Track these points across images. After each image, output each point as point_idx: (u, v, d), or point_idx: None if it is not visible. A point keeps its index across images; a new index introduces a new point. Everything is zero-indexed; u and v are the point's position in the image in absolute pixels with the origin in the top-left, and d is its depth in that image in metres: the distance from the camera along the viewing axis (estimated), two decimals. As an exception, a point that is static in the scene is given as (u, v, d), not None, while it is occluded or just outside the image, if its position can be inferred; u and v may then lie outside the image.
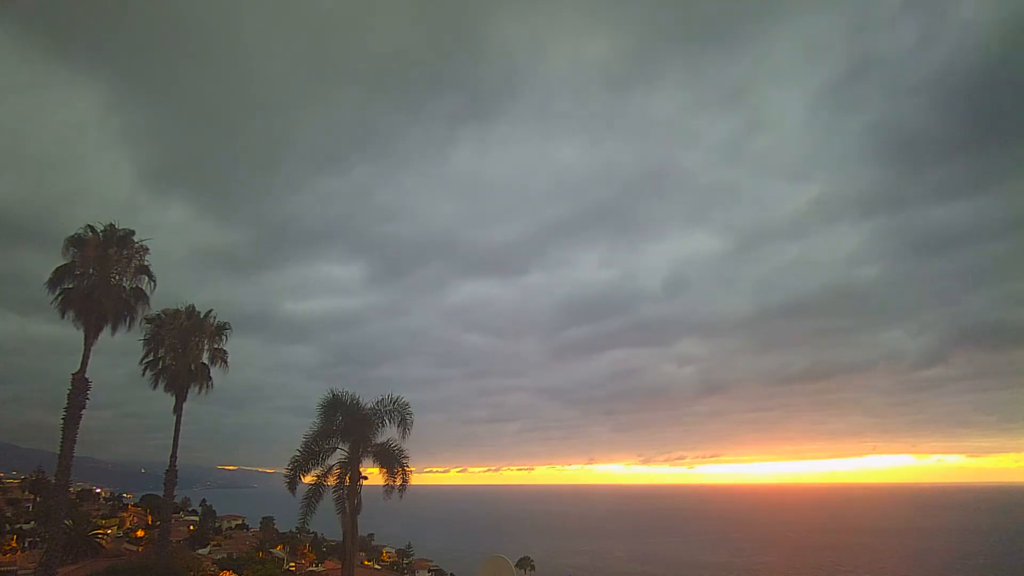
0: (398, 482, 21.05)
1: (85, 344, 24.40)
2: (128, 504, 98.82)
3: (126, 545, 56.39)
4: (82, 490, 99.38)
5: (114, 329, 25.45)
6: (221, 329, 30.96)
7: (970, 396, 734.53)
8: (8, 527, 61.41)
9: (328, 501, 20.67)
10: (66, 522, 32.68)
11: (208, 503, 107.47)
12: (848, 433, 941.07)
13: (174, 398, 29.72)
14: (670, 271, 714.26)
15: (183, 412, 29.90)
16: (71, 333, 25.01)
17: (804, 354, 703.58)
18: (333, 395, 21.27)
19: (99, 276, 24.77)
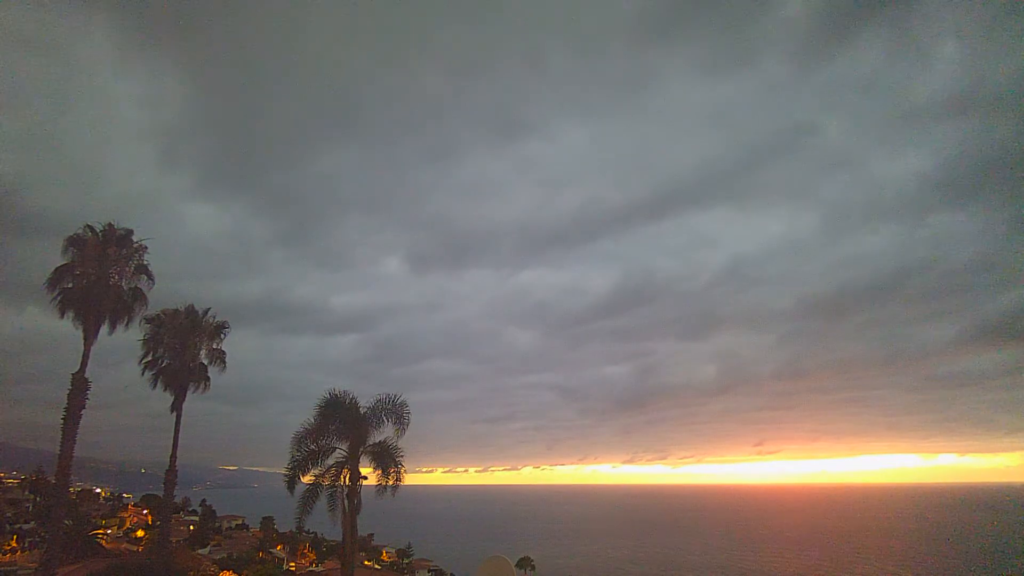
0: (391, 482, 21.06)
1: (85, 344, 24.44)
2: (128, 504, 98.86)
3: (126, 545, 56.49)
4: (82, 490, 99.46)
5: (113, 328, 25.49)
6: (220, 329, 30.99)
7: (1000, 394, 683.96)
8: (8, 527, 61.43)
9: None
10: (66, 522, 32.70)
11: (208, 503, 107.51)
12: (855, 432, 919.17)
13: (173, 398, 29.75)
14: (738, 257, 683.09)
15: (183, 411, 29.95)
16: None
17: (836, 349, 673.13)
18: (331, 395, 21.29)
19: (98, 276, 24.79)
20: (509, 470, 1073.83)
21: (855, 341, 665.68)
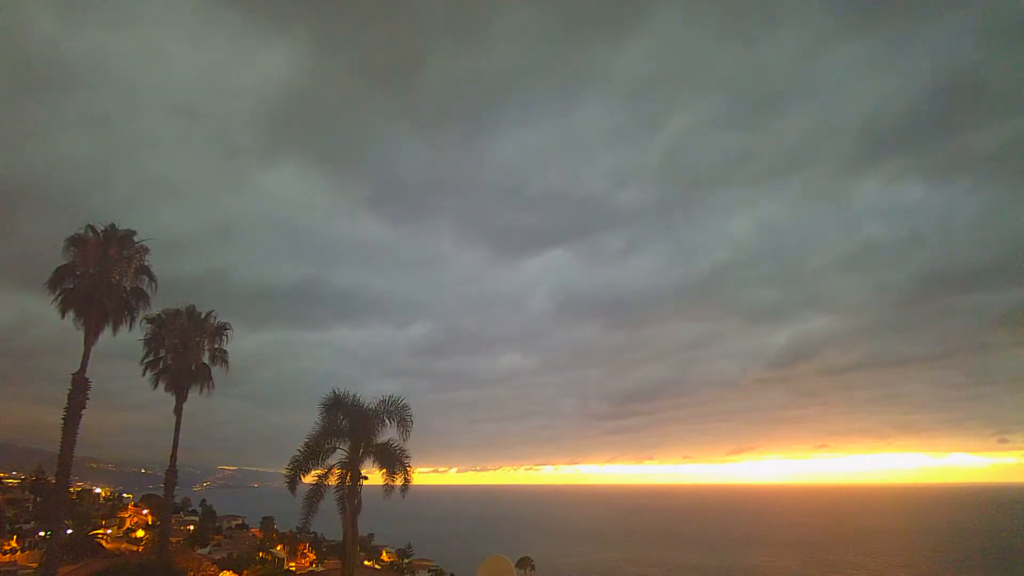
0: (399, 482, 21.06)
1: (85, 344, 24.39)
2: (128, 504, 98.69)
3: (126, 545, 56.47)
4: (82, 490, 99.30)
5: (115, 329, 25.47)
6: (221, 329, 30.95)
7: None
8: (8, 527, 61.33)
9: (329, 501, 20.68)
10: (66, 522, 32.71)
11: (208, 503, 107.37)
12: (863, 431, 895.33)
13: (175, 398, 29.71)
14: (862, 240, 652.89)
15: (183, 412, 29.87)
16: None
17: (877, 345, 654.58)
18: (335, 395, 21.29)
19: (99, 276, 24.77)
20: (493, 470, 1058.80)
21: (899, 336, 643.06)
